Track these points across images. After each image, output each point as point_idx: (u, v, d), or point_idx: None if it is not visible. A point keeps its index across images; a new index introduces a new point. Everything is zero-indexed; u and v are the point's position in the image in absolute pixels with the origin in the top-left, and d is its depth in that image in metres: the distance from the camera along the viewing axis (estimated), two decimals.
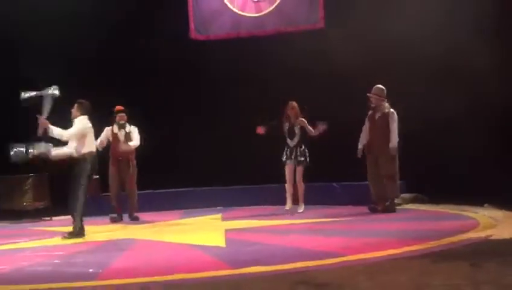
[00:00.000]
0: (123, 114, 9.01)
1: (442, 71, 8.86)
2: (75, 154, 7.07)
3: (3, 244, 6.86)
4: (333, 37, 9.84)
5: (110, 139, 9.02)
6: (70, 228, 7.22)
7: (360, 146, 8.31)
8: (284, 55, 10.08)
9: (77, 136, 7.04)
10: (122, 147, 8.92)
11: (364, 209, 8.37)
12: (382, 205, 8.12)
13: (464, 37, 8.44)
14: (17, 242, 7.02)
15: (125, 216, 9.01)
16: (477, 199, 7.94)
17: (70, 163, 7.18)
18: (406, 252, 4.82)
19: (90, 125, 7.23)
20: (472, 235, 5.63)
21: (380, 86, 8.22)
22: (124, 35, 10.76)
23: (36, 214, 9.90)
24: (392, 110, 8.15)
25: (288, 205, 8.96)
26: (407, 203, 9.09)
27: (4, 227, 9.28)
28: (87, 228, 8.17)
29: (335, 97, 9.45)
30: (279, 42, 10.49)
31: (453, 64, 8.64)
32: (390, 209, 8.07)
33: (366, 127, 8.34)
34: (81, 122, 7.15)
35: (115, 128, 9.02)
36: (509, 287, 3.43)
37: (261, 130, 8.88)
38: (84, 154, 7.07)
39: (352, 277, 3.93)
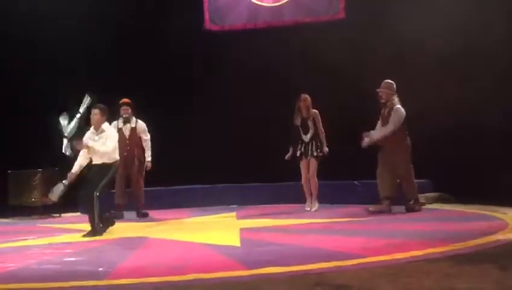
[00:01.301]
0: (127, 107, 9.03)
1: (467, 68, 8.78)
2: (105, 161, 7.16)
3: (11, 241, 6.94)
4: (354, 28, 9.83)
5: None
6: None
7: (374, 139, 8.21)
8: (301, 47, 10.08)
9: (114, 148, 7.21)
10: (147, 165, 9.07)
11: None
12: (382, 205, 8.09)
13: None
14: (26, 239, 7.08)
15: (130, 214, 9.03)
16: (506, 199, 7.88)
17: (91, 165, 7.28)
18: (429, 254, 4.79)
19: None
20: (500, 237, 5.58)
21: (389, 80, 8.13)
22: (134, 31, 10.82)
23: (45, 211, 9.99)
24: (398, 106, 8.01)
25: (309, 204, 8.97)
26: (431, 202, 9.03)
27: (13, 223, 9.38)
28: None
29: (355, 93, 9.42)
30: (298, 33, 10.48)
31: (477, 59, 8.57)
32: (409, 209, 8.05)
33: (379, 125, 8.27)
34: (112, 131, 7.36)
35: (120, 122, 9.04)
36: None
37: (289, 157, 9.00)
38: (112, 163, 7.21)
39: (373, 280, 3.92)
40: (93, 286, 4.19)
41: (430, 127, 8.58)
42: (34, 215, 9.92)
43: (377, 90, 8.14)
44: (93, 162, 7.27)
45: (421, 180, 9.21)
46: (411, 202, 8.09)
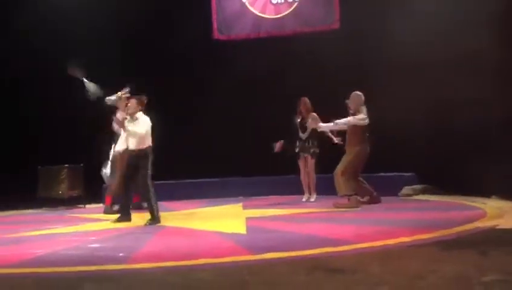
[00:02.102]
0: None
1: (452, 61, 8.72)
2: (139, 147, 7.09)
3: (40, 229, 6.94)
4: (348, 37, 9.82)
5: None
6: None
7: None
8: (300, 54, 10.07)
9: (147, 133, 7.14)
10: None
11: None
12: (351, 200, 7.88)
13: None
14: (53, 228, 7.09)
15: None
16: (484, 190, 7.86)
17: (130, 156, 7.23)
18: (416, 240, 4.78)
19: None
20: (480, 224, 5.57)
21: (357, 92, 7.96)
22: (145, 35, 10.83)
23: (71, 202, 10.02)
24: (363, 114, 7.79)
25: (306, 196, 9.03)
26: (418, 193, 9.02)
27: (41, 214, 9.39)
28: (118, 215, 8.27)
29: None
30: (298, 41, 10.48)
31: (462, 54, 8.52)
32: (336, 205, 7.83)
33: None
34: (147, 120, 7.22)
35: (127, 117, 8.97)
36: None
37: (278, 148, 8.98)
38: (147, 148, 7.12)
39: (365, 263, 3.91)
40: (114, 270, 4.19)
41: (416, 126, 8.55)
42: (61, 206, 9.94)
43: (346, 101, 7.97)
44: (129, 149, 7.20)
45: (408, 174, 9.22)
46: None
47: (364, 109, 7.90)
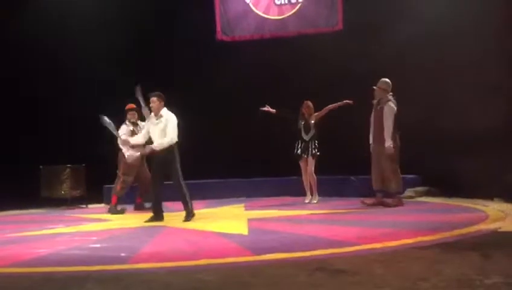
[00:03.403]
0: (134, 112, 8.96)
1: (457, 61, 8.70)
2: (165, 145, 7.11)
3: (42, 229, 6.96)
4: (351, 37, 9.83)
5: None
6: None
7: (370, 141, 8.07)
8: (303, 56, 10.08)
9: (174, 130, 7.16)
10: (147, 150, 8.92)
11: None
12: (377, 198, 7.96)
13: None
14: (56, 227, 7.10)
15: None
16: (486, 194, 7.85)
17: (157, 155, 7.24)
18: (418, 242, 4.78)
19: None
20: (482, 227, 5.57)
21: (386, 79, 7.99)
22: (148, 35, 10.85)
23: (73, 202, 10.03)
24: (390, 103, 7.77)
25: (308, 197, 9.04)
26: (421, 196, 9.02)
27: (44, 213, 9.41)
28: (121, 216, 8.29)
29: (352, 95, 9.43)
30: (301, 44, 10.49)
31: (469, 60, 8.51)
32: (393, 204, 7.83)
33: (371, 120, 8.08)
34: (172, 116, 7.21)
35: (130, 126, 8.96)
36: None
37: (267, 109, 9.05)
38: (173, 145, 7.14)
39: (367, 265, 3.91)
40: (117, 270, 4.20)
41: (418, 127, 8.53)
42: (63, 206, 9.96)
43: (373, 87, 7.99)
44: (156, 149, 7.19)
45: (411, 176, 9.20)
46: (393, 199, 7.89)
47: (390, 96, 7.88)
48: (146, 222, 7.12)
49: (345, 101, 8.70)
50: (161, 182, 7.29)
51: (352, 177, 9.98)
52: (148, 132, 7.31)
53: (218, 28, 11.14)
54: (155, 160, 7.29)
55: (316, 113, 8.96)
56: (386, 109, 7.78)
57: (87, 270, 4.18)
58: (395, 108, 7.79)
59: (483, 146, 7.93)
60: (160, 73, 10.59)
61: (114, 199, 8.83)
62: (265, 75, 10.60)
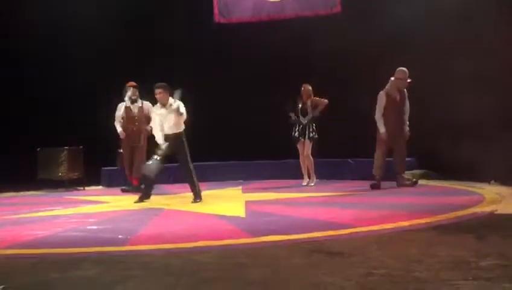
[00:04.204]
0: (135, 90, 9.08)
1: (455, 44, 8.68)
2: (175, 131, 7.31)
3: (41, 211, 6.97)
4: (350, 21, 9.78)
5: (124, 113, 9.11)
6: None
7: (382, 130, 8.11)
8: (302, 39, 10.03)
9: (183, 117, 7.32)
10: (148, 128, 8.96)
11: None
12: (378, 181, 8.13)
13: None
14: (53, 209, 7.11)
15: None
16: (482, 176, 7.88)
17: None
18: (415, 225, 4.80)
19: None
20: (478, 209, 5.59)
21: (403, 68, 8.07)
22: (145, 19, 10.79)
23: (70, 184, 10.04)
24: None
25: (305, 180, 9.09)
26: (418, 178, 9.03)
27: (41, 195, 9.42)
28: (118, 198, 8.32)
29: (350, 77, 9.42)
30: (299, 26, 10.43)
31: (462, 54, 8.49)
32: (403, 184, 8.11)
33: (382, 104, 8.14)
34: (179, 101, 7.31)
35: (127, 102, 9.09)
36: (511, 259, 3.41)
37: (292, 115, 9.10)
38: (182, 131, 7.35)
39: (364, 247, 3.93)
40: (114, 252, 4.21)
41: (415, 110, 8.52)
42: (61, 188, 9.97)
43: (409, 80, 8.08)
44: (165, 134, 7.33)
45: (408, 159, 9.21)
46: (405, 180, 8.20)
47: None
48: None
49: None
50: (163, 165, 7.41)
51: (349, 160, 10.00)
52: (161, 124, 7.37)
53: (216, 11, 11.06)
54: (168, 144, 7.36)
55: (317, 98, 8.96)
56: (407, 102, 8.12)
57: (84, 252, 4.19)
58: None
59: (480, 129, 7.94)
60: (157, 56, 10.56)
61: (135, 181, 9.09)
62: (262, 58, 10.55)
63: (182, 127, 7.38)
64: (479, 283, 2.91)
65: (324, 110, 8.97)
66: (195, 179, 7.35)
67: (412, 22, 8.79)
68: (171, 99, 7.34)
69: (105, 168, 10.54)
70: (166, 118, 7.31)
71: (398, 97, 8.11)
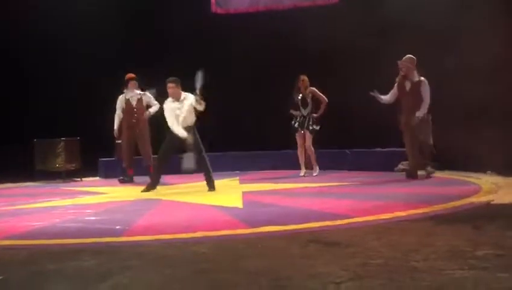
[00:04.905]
0: (134, 82, 9.09)
1: (452, 32, 8.65)
2: (189, 124, 7.45)
3: (38, 202, 6.97)
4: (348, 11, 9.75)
5: (124, 106, 9.13)
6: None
7: (382, 99, 8.06)
8: (299, 30, 10.00)
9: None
10: (146, 114, 8.98)
11: (372, 173, 8.41)
12: (428, 171, 7.98)
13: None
14: (51, 200, 7.11)
15: (139, 178, 9.04)
16: (480, 166, 7.89)
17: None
18: (411, 215, 4.81)
19: None
20: (474, 199, 5.61)
21: (411, 55, 7.97)
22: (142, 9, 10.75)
23: (68, 175, 10.04)
24: (423, 78, 7.87)
25: (303, 171, 9.09)
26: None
27: (39, 186, 9.42)
28: (115, 189, 8.32)
29: (347, 68, 9.40)
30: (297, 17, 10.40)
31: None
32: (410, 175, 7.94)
33: (394, 92, 8.05)
34: (191, 95, 7.44)
35: (127, 94, 9.12)
36: (508, 248, 3.42)
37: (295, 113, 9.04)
38: (193, 125, 7.50)
39: (361, 237, 3.94)
40: (111, 242, 4.22)
41: None
42: (58, 179, 9.97)
43: (398, 62, 7.95)
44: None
45: (404, 149, 9.20)
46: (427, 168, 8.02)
47: (415, 72, 7.92)
48: (142, 191, 7.41)
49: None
50: (169, 156, 7.60)
51: (346, 151, 10.01)
52: (176, 118, 7.42)
53: (213, 1, 11.01)
54: (172, 134, 7.41)
55: (313, 89, 8.93)
56: (423, 84, 7.84)
57: (82, 243, 4.20)
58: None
59: (477, 119, 7.94)
60: (154, 47, 10.52)
61: (151, 169, 9.06)
62: (260, 49, 10.51)
63: (194, 119, 7.50)
64: (475, 272, 2.92)
65: (325, 110, 8.93)
66: (210, 168, 7.52)
67: (411, 10, 8.74)
68: (183, 93, 7.46)
69: (103, 159, 10.52)
70: (181, 112, 7.41)
71: (408, 85, 7.95)
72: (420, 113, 7.82)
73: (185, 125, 7.41)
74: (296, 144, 9.14)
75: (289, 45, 10.35)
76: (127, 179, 9.13)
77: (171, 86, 7.43)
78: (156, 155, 8.00)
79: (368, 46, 9.18)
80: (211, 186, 7.52)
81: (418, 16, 8.87)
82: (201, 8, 10.79)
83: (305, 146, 9.01)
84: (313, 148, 9.00)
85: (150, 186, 7.61)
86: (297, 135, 9.06)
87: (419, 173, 7.96)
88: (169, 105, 7.48)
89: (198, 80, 7.30)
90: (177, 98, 7.45)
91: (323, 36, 9.38)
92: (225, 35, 10.70)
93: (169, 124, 7.44)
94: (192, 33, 10.77)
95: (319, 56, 9.88)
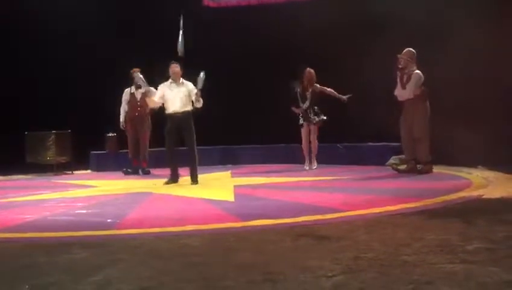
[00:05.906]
0: (138, 74, 9.03)
1: (445, 28, 8.66)
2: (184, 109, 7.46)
3: (29, 195, 6.93)
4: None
5: (128, 98, 9.19)
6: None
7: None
8: (291, 24, 9.98)
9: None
10: (150, 104, 8.95)
11: (365, 168, 8.43)
12: (409, 166, 7.94)
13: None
14: (42, 193, 7.08)
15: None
16: (470, 161, 7.92)
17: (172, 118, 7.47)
18: (402, 209, 4.83)
19: None
20: (465, 194, 5.64)
21: (411, 49, 7.95)
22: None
23: (59, 168, 9.99)
24: (417, 71, 7.84)
25: (307, 164, 9.10)
26: (405, 163, 9.05)
27: (30, 179, 9.38)
28: (107, 182, 8.29)
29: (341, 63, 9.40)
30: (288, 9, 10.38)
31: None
32: (423, 171, 7.80)
33: (398, 86, 8.02)
34: (190, 84, 7.51)
35: (132, 88, 9.18)
36: (497, 242, 3.44)
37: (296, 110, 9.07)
38: (190, 110, 7.47)
39: (352, 231, 3.95)
40: (102, 235, 4.21)
41: None
42: (49, 172, 9.92)
43: (398, 55, 7.93)
44: (172, 112, 7.43)
45: (395, 144, 9.24)
46: (422, 165, 7.86)
47: (415, 66, 7.90)
48: (165, 183, 7.49)
49: (343, 98, 8.82)
50: (176, 146, 7.62)
51: (338, 145, 10.02)
52: (163, 97, 7.50)
53: None
54: (172, 124, 7.45)
55: (318, 86, 8.92)
56: (414, 75, 7.81)
57: (73, 236, 4.18)
58: (422, 76, 7.82)
59: (468, 114, 7.97)
60: (146, 40, 10.47)
61: (144, 163, 9.40)
62: (252, 43, 10.49)
63: (190, 107, 7.48)
64: (466, 266, 2.93)
65: (337, 94, 8.91)
66: (197, 161, 7.50)
67: (405, 4, 8.75)
68: (182, 80, 7.52)
69: (94, 152, 10.48)
70: (177, 94, 7.43)
71: (405, 77, 7.94)
72: (400, 95, 7.85)
73: (180, 110, 7.40)
74: (301, 138, 9.14)
75: (281, 39, 10.33)
76: (131, 171, 9.22)
77: (176, 66, 7.51)
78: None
79: (362, 40, 9.17)
80: (194, 180, 7.51)
81: (414, 12, 8.87)
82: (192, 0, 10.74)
83: (309, 139, 9.03)
84: (317, 142, 9.04)
85: (171, 180, 7.60)
86: (302, 129, 9.07)
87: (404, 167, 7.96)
88: (165, 84, 7.55)
89: (200, 81, 7.33)
90: (177, 81, 7.50)
91: (316, 30, 9.38)
92: (216, 28, 10.64)
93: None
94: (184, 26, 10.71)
95: (312, 50, 9.87)
